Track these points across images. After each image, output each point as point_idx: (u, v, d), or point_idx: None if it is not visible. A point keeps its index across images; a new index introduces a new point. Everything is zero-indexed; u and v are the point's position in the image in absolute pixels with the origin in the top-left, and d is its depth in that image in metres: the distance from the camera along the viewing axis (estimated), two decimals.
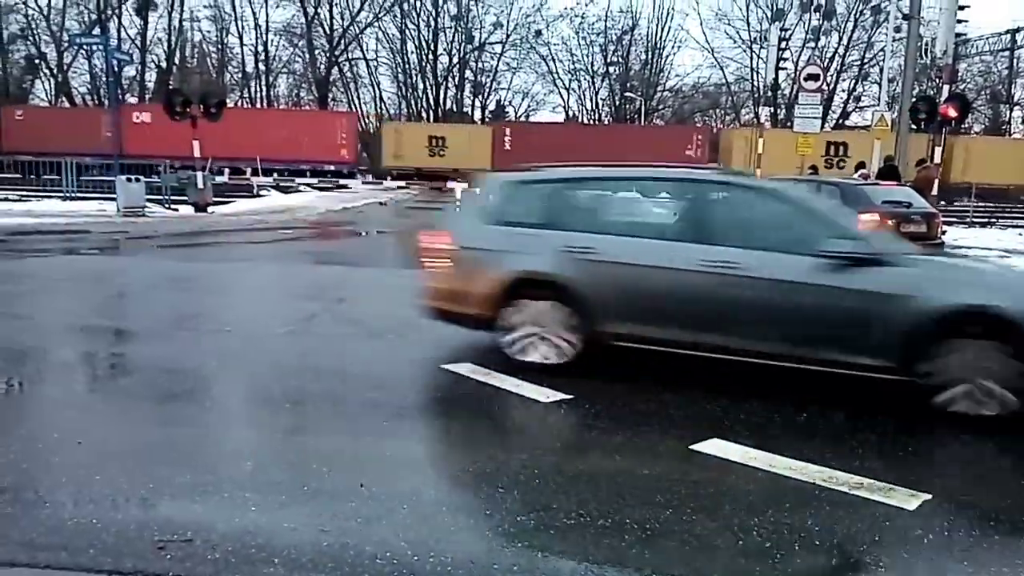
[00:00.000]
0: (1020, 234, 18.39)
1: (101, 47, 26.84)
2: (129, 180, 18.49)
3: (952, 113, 17.15)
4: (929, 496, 3.47)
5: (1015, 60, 52.87)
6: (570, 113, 61.31)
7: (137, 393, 4.93)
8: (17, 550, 2.87)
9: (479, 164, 37.17)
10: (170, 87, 42.53)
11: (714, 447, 4.00)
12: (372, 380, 5.22)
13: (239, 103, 54.66)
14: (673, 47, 60.08)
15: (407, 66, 59.27)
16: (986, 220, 23.70)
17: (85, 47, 45.24)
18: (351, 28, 57.22)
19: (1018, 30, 49.08)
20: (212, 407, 4.78)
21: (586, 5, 58.21)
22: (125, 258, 12.53)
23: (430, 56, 58.76)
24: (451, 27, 58.70)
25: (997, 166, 35.10)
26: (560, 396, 4.78)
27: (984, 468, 4.07)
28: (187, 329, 6.96)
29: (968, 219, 23.31)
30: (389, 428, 4.29)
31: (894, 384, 4.63)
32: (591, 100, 62.56)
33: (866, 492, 3.50)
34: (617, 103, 61.29)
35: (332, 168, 37.67)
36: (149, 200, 19.12)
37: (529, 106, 61.96)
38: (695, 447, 3.99)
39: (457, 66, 59.70)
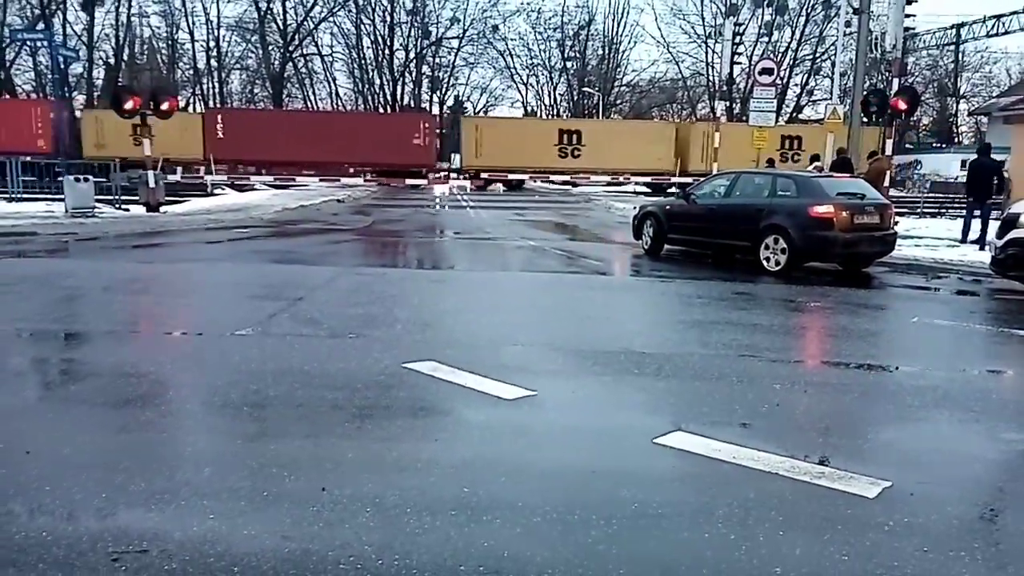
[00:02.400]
0: None
1: (45, 43, 26.03)
2: (77, 180, 18.01)
3: (902, 106, 17.52)
4: (889, 483, 3.52)
5: (960, 54, 54.28)
6: (529, 108, 61.45)
7: (89, 399, 4.79)
8: None
9: (191, 152, 36.08)
10: (118, 84, 41.49)
11: (677, 440, 4.02)
12: (332, 381, 5.14)
13: (191, 101, 53.64)
14: (629, 42, 60.85)
15: (363, 61, 58.87)
16: (936, 211, 24.31)
17: (29, 43, 43.91)
18: (305, 23, 56.60)
19: (962, 25, 50.36)
20: (168, 412, 4.65)
21: (542, 0, 58.15)
22: (74, 260, 12.20)
23: (386, 51, 58.48)
24: (407, 22, 58.47)
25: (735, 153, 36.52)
26: (523, 392, 4.76)
27: (944, 456, 4.14)
28: (140, 332, 6.79)
29: (919, 210, 23.88)
30: (350, 430, 4.22)
31: (855, 373, 4.70)
32: (549, 95, 62.82)
33: (827, 481, 3.55)
34: (575, 98, 61.59)
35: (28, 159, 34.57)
36: (99, 200, 18.64)
37: (488, 101, 62.02)
38: (659, 440, 4.00)
39: (414, 61, 59.43)
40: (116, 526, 3.03)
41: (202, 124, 37.80)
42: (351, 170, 37.54)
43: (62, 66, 31.30)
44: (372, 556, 2.81)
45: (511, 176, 38.76)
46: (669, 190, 35.17)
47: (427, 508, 3.22)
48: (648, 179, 38.96)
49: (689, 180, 37.50)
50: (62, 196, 18.02)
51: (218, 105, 54.51)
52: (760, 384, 5.27)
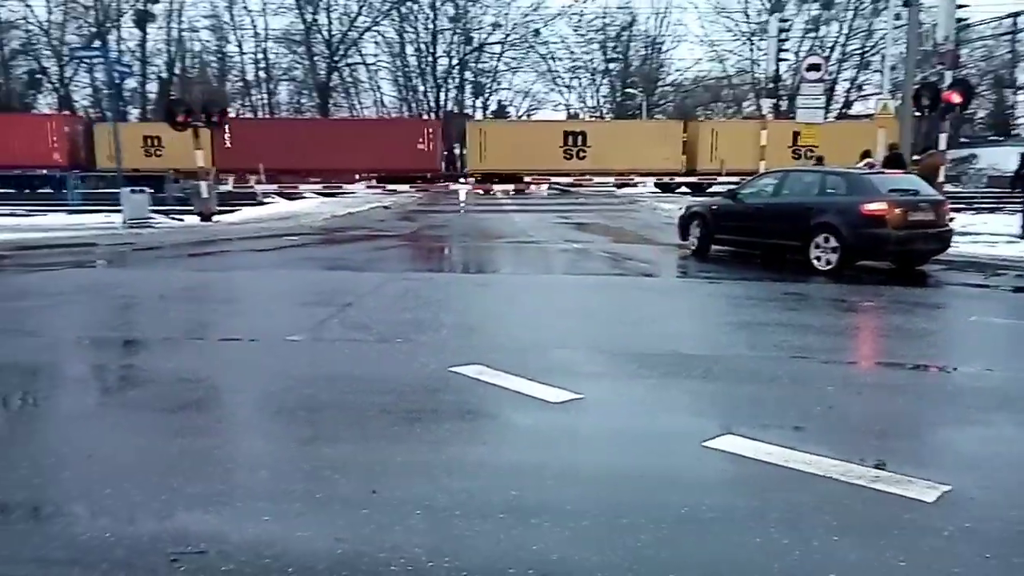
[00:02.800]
0: None
1: (101, 60, 26.90)
2: (133, 192, 18.56)
3: (956, 99, 17.04)
4: (949, 487, 3.43)
5: (1016, 44, 52.56)
6: (571, 111, 61.30)
7: (148, 404, 4.92)
8: (30, 567, 2.86)
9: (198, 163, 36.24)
10: (170, 97, 42.63)
11: (727, 443, 3.97)
12: (381, 385, 5.20)
13: (240, 112, 54.80)
14: (672, 42, 60.14)
15: (407, 69, 59.40)
16: (993, 206, 23.56)
17: (85, 60, 45.34)
18: (349, 33, 57.36)
19: (1018, 14, 48.81)
20: (223, 417, 4.77)
21: (584, 3, 58.01)
22: (132, 270, 12.56)
23: (429, 58, 58.92)
24: (450, 28, 58.79)
25: (741, 151, 35.23)
26: (570, 395, 4.75)
27: (1006, 459, 4.02)
28: (196, 338, 6.96)
29: (976, 205, 23.18)
30: (399, 433, 4.27)
31: (911, 374, 4.59)
32: (592, 98, 62.58)
33: (883, 484, 3.47)
34: (618, 99, 61.24)
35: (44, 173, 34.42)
36: (154, 211, 19.17)
37: (530, 105, 62.01)
38: (708, 444, 3.96)
39: (457, 67, 59.78)
40: (175, 527, 3.12)
41: (210, 134, 38.30)
42: (356, 177, 37.13)
43: (117, 81, 32.21)
44: (423, 558, 2.84)
45: (514, 178, 37.98)
46: (709, 190, 34.57)
47: (476, 511, 3.24)
48: (655, 179, 38.24)
49: (694, 180, 37.05)
50: (120, 208, 18.57)
51: (268, 116, 55.56)
52: (812, 386, 5.18)
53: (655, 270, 12.16)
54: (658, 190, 37.65)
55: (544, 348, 6.33)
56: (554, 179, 39.23)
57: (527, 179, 38.23)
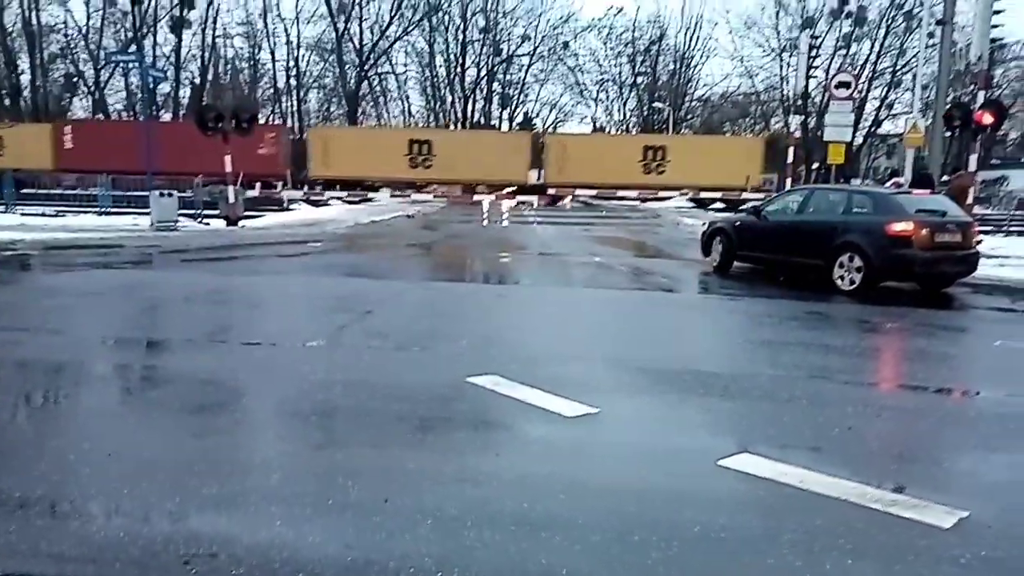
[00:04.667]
0: None
1: (137, 64, 27.38)
2: (162, 195, 18.81)
3: (988, 119, 16.84)
4: (966, 514, 3.37)
5: None
6: (598, 124, 61.34)
7: (168, 405, 4.99)
8: (46, 562, 2.90)
9: (39, 164, 35.51)
10: (202, 103, 43.16)
11: (742, 462, 3.93)
12: (398, 392, 5.23)
13: (270, 118, 55.24)
14: (702, 56, 59.73)
15: (435, 79, 59.78)
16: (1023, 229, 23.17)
17: (122, 65, 46.03)
18: (380, 42, 57.86)
19: None
20: (241, 419, 4.81)
21: (614, 16, 58.13)
22: (157, 272, 12.73)
23: (458, 69, 59.24)
24: (479, 40, 59.10)
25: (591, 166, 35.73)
26: (585, 409, 4.74)
27: None
28: (217, 341, 7.03)
29: (1006, 228, 22.83)
30: (413, 441, 4.29)
31: (933, 398, 4.53)
32: (619, 111, 62.58)
33: (900, 509, 3.42)
34: (645, 113, 61.17)
35: None
36: (182, 215, 19.42)
37: (557, 117, 62.14)
38: (723, 462, 3.93)
39: (485, 78, 60.08)
40: (188, 529, 3.15)
41: (51, 135, 37.92)
42: (196, 181, 33.79)
43: (151, 86, 32.70)
44: (432, 568, 2.85)
45: (357, 184, 36.76)
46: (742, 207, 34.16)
47: (487, 522, 3.24)
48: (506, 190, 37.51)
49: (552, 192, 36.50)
50: (148, 210, 18.84)
51: (297, 123, 56.01)
52: (832, 407, 5.12)
53: (676, 285, 12.10)
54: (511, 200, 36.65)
55: (561, 360, 6.32)
56: (397, 186, 37.87)
57: (551, 191, 37.91)
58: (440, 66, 59.36)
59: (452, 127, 57.15)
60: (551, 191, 37.79)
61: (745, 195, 34.39)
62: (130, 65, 34.02)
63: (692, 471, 3.95)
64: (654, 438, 4.53)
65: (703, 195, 36.04)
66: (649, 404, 5.18)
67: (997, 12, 21.01)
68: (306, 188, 34.75)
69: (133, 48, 48.49)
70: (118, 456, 3.99)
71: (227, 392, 5.35)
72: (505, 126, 58.59)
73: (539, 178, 40.14)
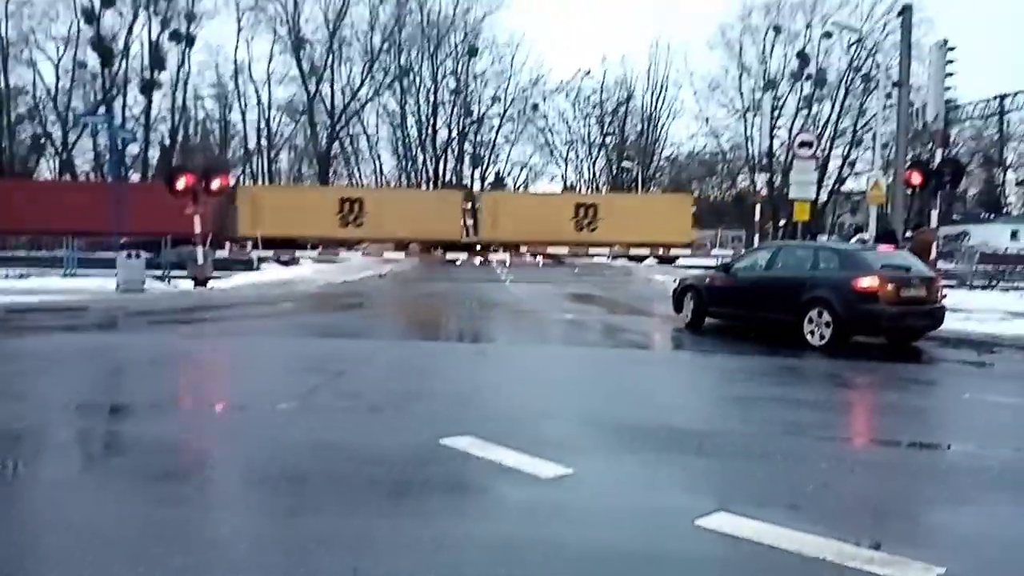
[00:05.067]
0: (1022, 296, 18.36)
1: (105, 125, 27.36)
2: (129, 256, 18.61)
3: (916, 180, 17.81)
4: (943, 570, 3.35)
5: (1004, 124, 53.92)
6: (568, 183, 62.27)
7: (132, 472, 4.84)
8: None
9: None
10: (171, 164, 43.09)
11: (720, 522, 3.89)
12: (371, 455, 5.13)
13: (241, 178, 55.29)
14: (668, 117, 61.23)
15: (407, 139, 60.49)
16: (986, 283, 23.70)
17: (91, 125, 45.96)
18: (352, 104, 58.58)
19: (1005, 96, 50.21)
20: (207, 486, 4.68)
21: (582, 78, 59.53)
22: (123, 334, 12.51)
23: (429, 130, 60.06)
24: (450, 101, 60.13)
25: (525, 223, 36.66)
26: (562, 470, 4.68)
27: (1002, 541, 3.95)
28: (183, 406, 6.88)
29: (968, 282, 23.32)
30: (387, 506, 4.19)
31: (906, 452, 4.55)
32: (588, 170, 63.65)
33: (877, 567, 3.39)
34: (614, 172, 62.27)
35: None
36: (149, 276, 19.20)
37: (527, 177, 63.01)
38: (700, 522, 3.88)
39: (456, 139, 60.93)
40: None
41: None
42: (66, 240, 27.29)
43: (119, 147, 32.57)
44: None
45: (290, 243, 35.20)
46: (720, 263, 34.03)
47: None
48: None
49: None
50: (115, 272, 18.60)
51: (266, 183, 56.06)
52: (806, 463, 5.12)
53: (648, 342, 12.15)
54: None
55: (536, 420, 6.26)
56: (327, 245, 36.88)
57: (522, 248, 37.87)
58: (411, 127, 60.20)
59: (424, 186, 57.62)
60: (479, 249, 37.10)
61: (675, 251, 34.68)
62: (99, 126, 33.96)
63: (670, 532, 3.90)
64: (631, 499, 4.47)
65: (631, 252, 35.70)
66: (625, 463, 5.14)
67: (950, 75, 21.76)
68: (232, 248, 33.17)
69: (103, 109, 48.57)
70: (79, 526, 3.84)
71: (193, 458, 5.22)
72: (477, 185, 59.22)
73: (472, 234, 40.35)
